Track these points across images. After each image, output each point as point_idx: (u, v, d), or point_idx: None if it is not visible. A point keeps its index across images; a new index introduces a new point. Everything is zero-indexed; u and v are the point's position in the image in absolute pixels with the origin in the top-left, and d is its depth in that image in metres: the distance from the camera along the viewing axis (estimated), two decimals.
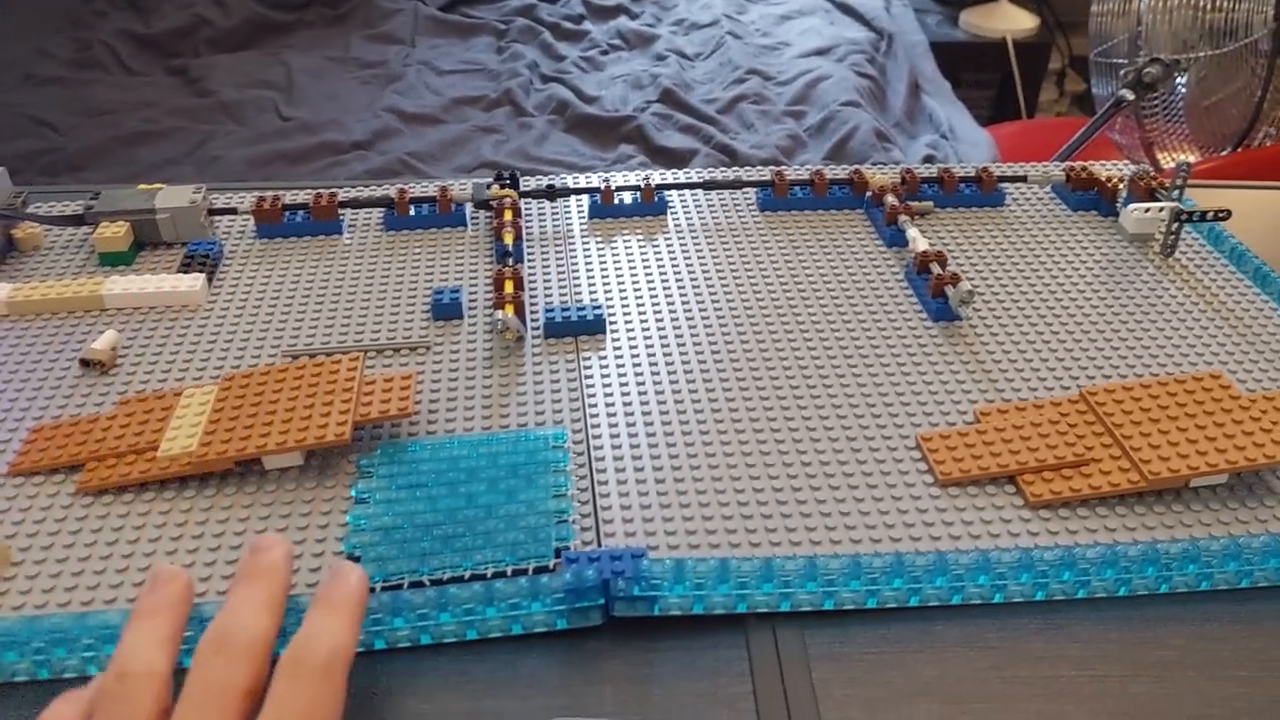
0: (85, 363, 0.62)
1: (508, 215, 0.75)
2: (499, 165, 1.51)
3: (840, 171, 0.82)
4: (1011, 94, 2.06)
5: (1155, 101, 1.23)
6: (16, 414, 0.59)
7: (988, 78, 2.06)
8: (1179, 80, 1.21)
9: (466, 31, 1.94)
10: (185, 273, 0.70)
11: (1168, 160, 1.26)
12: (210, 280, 0.70)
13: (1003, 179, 0.81)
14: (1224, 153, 1.21)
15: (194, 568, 0.49)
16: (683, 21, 1.96)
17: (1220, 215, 0.72)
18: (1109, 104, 1.22)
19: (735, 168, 0.87)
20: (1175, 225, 0.72)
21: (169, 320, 0.67)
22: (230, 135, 1.58)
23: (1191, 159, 1.28)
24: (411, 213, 0.77)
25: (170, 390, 0.60)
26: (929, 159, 1.50)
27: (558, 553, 0.49)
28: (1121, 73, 1.21)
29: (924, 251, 0.71)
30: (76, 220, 0.73)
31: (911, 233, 0.73)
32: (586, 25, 1.95)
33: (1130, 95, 1.21)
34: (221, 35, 1.86)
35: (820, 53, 1.79)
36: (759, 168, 0.86)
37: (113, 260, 0.72)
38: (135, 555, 0.50)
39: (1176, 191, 0.73)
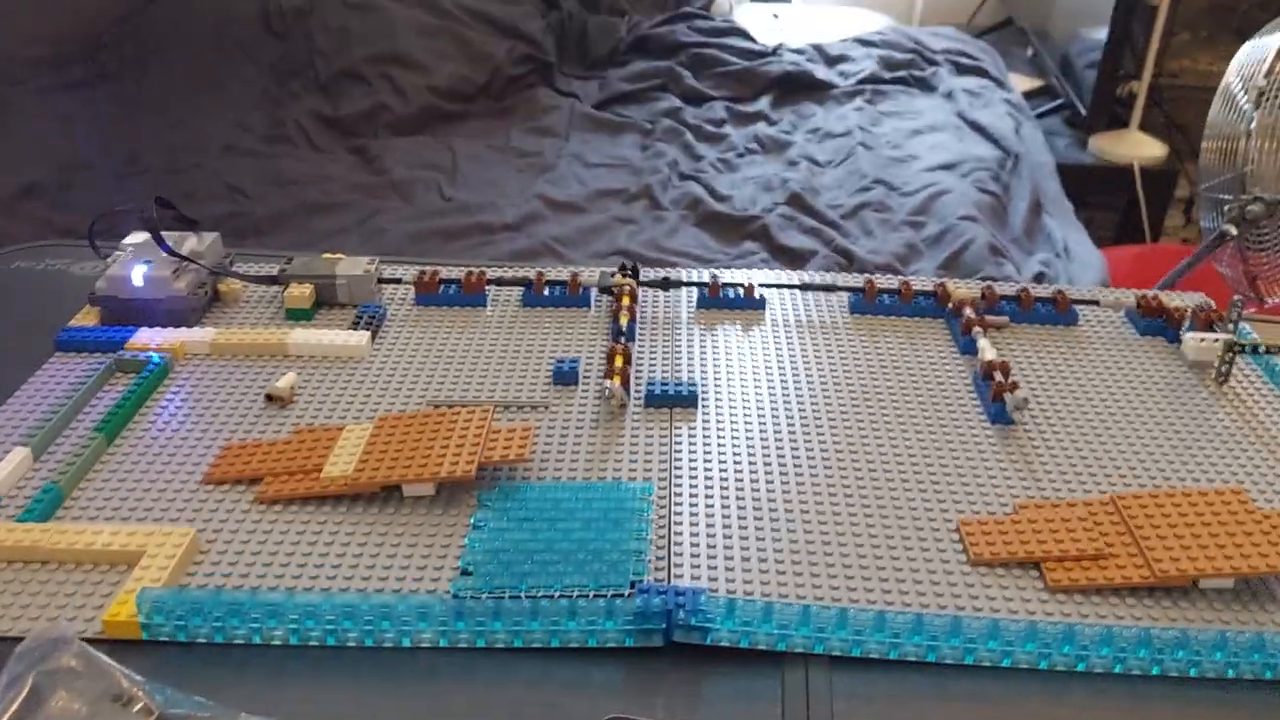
0: (269, 397, 0.75)
1: (625, 301, 0.86)
2: (631, 253, 1.64)
3: (927, 283, 0.91)
4: (1138, 218, 2.11)
5: (1262, 236, 1.28)
6: (212, 434, 0.73)
7: (1114, 201, 2.10)
8: None
9: (616, 129, 2.10)
10: (355, 330, 0.83)
11: (1272, 294, 1.30)
12: (374, 337, 0.84)
13: (1076, 301, 0.89)
14: None
15: (340, 568, 0.61)
16: (818, 130, 2.08)
17: (1272, 349, 0.79)
18: (1211, 238, 1.27)
19: (837, 274, 0.97)
20: (1229, 355, 0.79)
21: (339, 367, 0.80)
22: (396, 210, 1.76)
23: None
24: (546, 293, 0.89)
25: (336, 425, 0.73)
26: (1040, 276, 1.57)
27: (633, 584, 0.59)
28: (1225, 208, 1.27)
29: (989, 361, 0.79)
30: (271, 280, 0.88)
31: (982, 343, 0.82)
32: (727, 129, 2.09)
33: (1233, 230, 1.26)
34: (399, 120, 2.06)
35: (946, 167, 1.88)
36: (856, 274, 0.95)
37: (297, 315, 0.86)
38: (296, 554, 0.62)
39: (1232, 324, 0.80)
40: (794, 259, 1.64)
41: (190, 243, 0.86)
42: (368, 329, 0.83)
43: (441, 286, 0.89)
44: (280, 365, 0.80)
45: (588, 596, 0.58)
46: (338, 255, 0.90)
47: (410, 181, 1.84)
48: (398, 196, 1.81)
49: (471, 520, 0.65)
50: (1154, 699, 0.56)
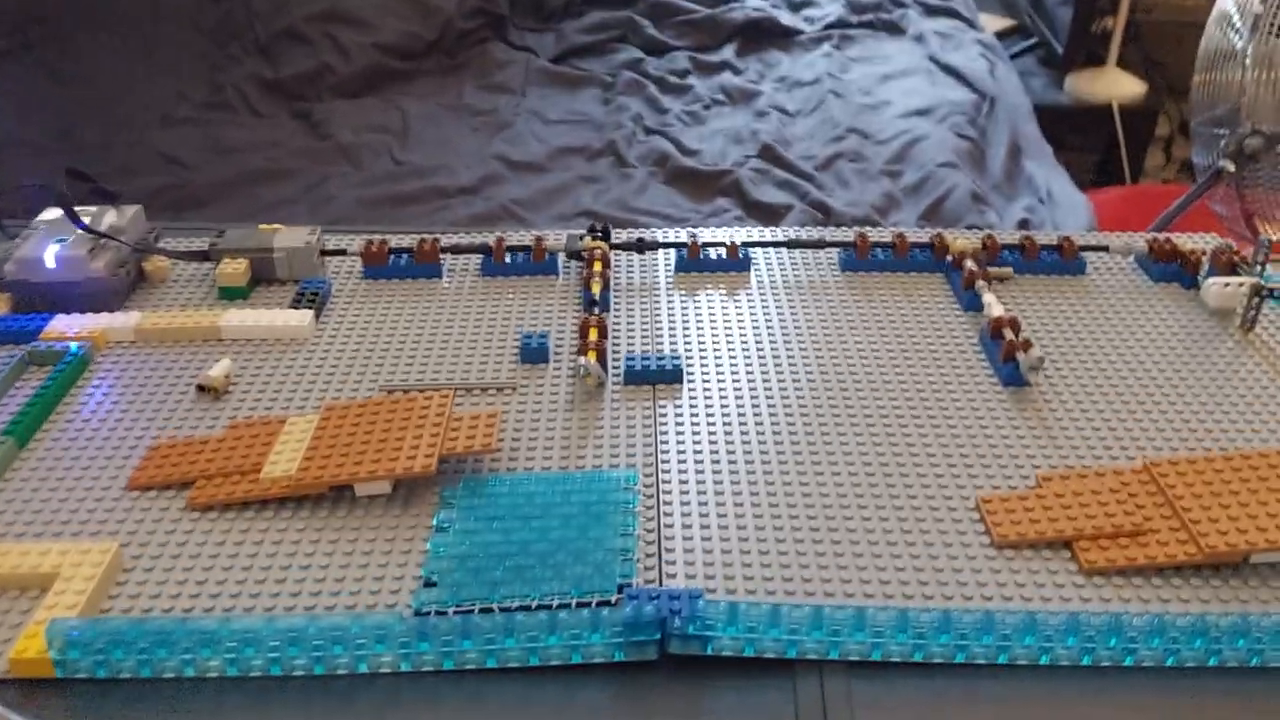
0: (201, 388, 0.67)
1: (597, 266, 0.79)
2: (597, 214, 1.56)
3: (922, 235, 0.84)
4: (1117, 159, 2.05)
5: (1259, 172, 1.22)
6: (138, 432, 0.64)
7: (1093, 142, 2.04)
8: None
9: (575, 83, 2.00)
10: (296, 308, 0.75)
11: (1270, 232, 1.24)
12: (318, 316, 0.75)
13: (1084, 248, 0.82)
14: None
15: (284, 584, 0.53)
16: (785, 79, 1.99)
17: None
18: (1208, 174, 1.21)
19: (826, 227, 0.89)
20: (1255, 300, 0.73)
21: (279, 351, 0.72)
22: (345, 176, 1.66)
23: None
24: (507, 260, 0.81)
25: (276, 416, 0.65)
26: (1024, 223, 1.50)
27: (620, 588, 0.52)
28: (1221, 143, 1.21)
29: (998, 317, 0.72)
30: (201, 256, 0.79)
31: (987, 298, 0.75)
32: (691, 80, 2.00)
33: (1230, 166, 1.20)
34: (344, 82, 1.95)
35: (921, 113, 1.81)
36: (844, 228, 0.88)
37: (231, 294, 0.77)
38: (234, 569, 0.54)
39: (1258, 267, 0.74)
40: (768, 215, 1.57)
41: (109, 217, 0.77)
42: (310, 307, 0.75)
43: (392, 257, 0.81)
44: (214, 351, 0.72)
45: (570, 605, 0.51)
46: (275, 226, 0.82)
47: (359, 145, 1.75)
48: (346, 161, 1.71)
49: (434, 521, 0.57)
50: (1213, 694, 0.49)
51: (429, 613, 0.51)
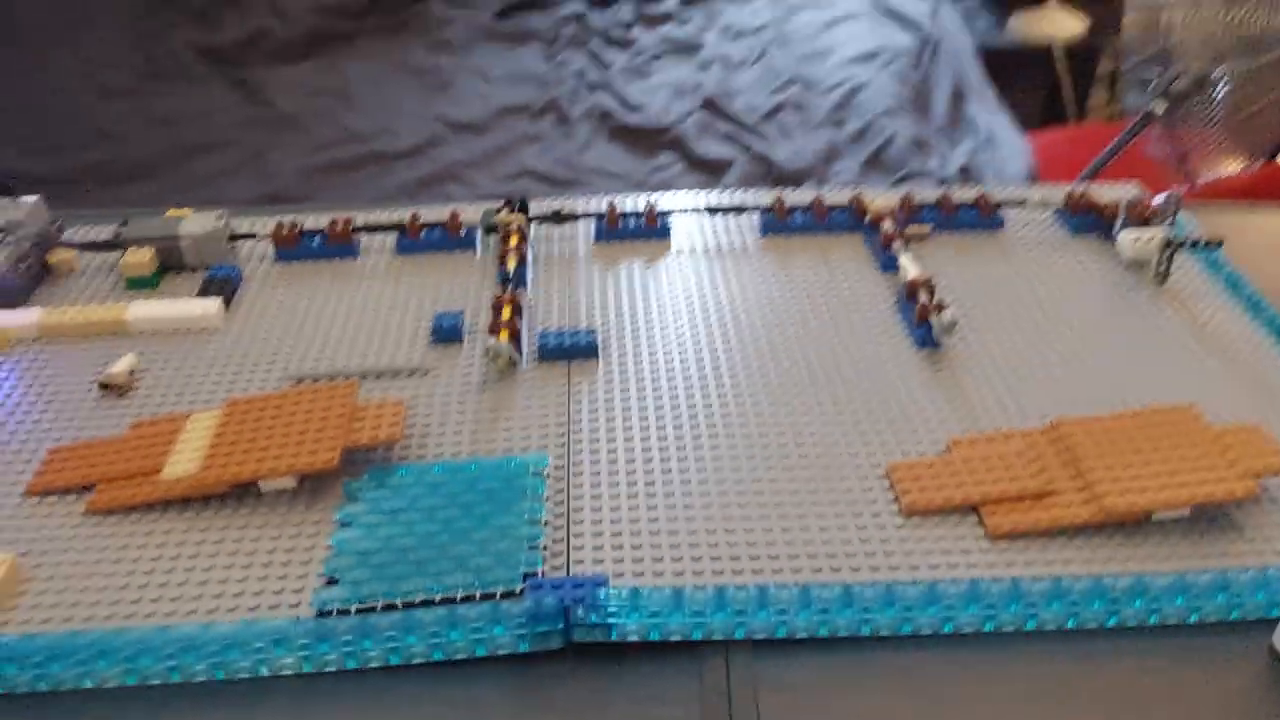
0: (104, 386, 0.66)
1: (513, 240, 0.78)
2: (540, 174, 1.55)
3: (842, 195, 0.83)
4: (1063, 97, 2.04)
5: (1191, 110, 1.22)
6: (38, 435, 0.63)
7: (1038, 81, 2.03)
8: (1218, 88, 1.20)
9: (518, 39, 1.97)
10: (204, 297, 0.74)
11: (1207, 171, 1.24)
12: (228, 304, 0.74)
13: (1002, 203, 0.82)
14: (1260, 163, 1.19)
15: (185, 586, 0.53)
16: (729, 28, 1.97)
17: (1210, 244, 0.72)
18: (1137, 119, 1.20)
19: (747, 192, 0.88)
20: (1166, 254, 0.73)
21: (188, 344, 0.71)
22: (286, 145, 1.63)
23: (1232, 169, 1.26)
24: (423, 237, 0.80)
25: (180, 413, 0.64)
26: (965, 170, 1.50)
27: (526, 577, 0.52)
28: (1150, 86, 1.20)
29: (913, 279, 0.72)
30: (107, 246, 0.78)
31: (903, 259, 0.74)
32: (635, 33, 1.97)
33: (1159, 110, 1.20)
34: (282, 46, 1.91)
35: (864, 59, 1.79)
36: (763, 191, 0.87)
37: (139, 284, 0.76)
38: (135, 574, 0.54)
39: (1168, 220, 0.74)
40: (711, 170, 1.56)
41: (7, 211, 0.76)
42: (219, 295, 0.74)
43: (304, 239, 0.80)
44: (120, 345, 0.71)
45: (474, 598, 0.51)
46: (184, 211, 0.80)
47: (298, 112, 1.72)
48: (286, 129, 1.68)
49: (338, 516, 0.57)
50: (1111, 656, 0.50)
51: (331, 612, 0.51)
